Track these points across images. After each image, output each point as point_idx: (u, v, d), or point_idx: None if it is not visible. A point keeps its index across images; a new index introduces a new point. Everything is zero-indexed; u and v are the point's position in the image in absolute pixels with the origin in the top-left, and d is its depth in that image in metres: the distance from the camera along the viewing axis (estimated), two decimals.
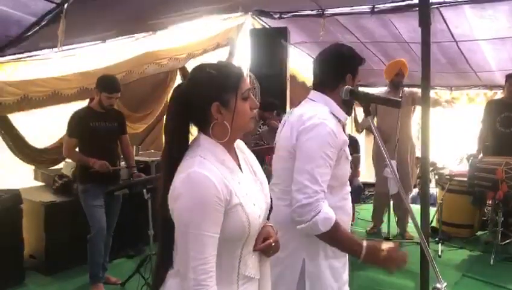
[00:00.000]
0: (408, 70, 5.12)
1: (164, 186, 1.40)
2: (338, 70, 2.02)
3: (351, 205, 2.11)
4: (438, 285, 1.70)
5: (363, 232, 5.69)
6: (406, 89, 5.26)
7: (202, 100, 1.42)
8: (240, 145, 1.61)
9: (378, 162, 5.41)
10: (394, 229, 5.40)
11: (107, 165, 3.74)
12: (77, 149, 3.87)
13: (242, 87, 1.45)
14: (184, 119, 1.45)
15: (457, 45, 5.72)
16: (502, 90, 6.85)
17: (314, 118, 1.89)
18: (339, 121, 1.97)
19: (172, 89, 1.51)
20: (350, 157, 2.05)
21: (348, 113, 2.04)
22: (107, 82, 3.81)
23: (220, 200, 1.34)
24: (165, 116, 1.54)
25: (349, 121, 8.56)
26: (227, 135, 1.45)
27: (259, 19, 6.55)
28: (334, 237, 1.86)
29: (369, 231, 5.70)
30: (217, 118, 1.42)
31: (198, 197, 1.31)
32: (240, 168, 1.52)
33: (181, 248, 1.36)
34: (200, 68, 1.47)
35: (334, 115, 1.96)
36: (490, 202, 5.22)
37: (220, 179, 1.36)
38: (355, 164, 5.60)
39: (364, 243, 1.84)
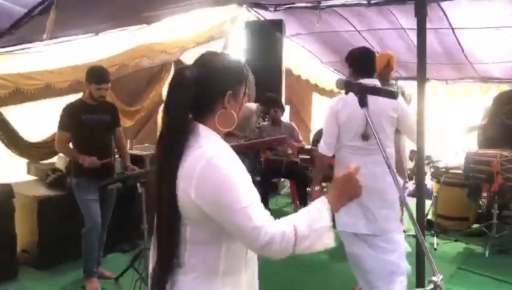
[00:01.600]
0: (396, 63, 5.06)
1: (170, 184, 1.35)
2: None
3: None
4: (434, 278, 1.68)
5: None
6: (396, 82, 5.25)
7: (217, 88, 1.43)
8: None
9: None
10: None
11: (95, 160, 3.70)
12: (71, 143, 3.83)
13: (247, 81, 1.52)
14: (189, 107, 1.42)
15: (454, 33, 5.68)
16: (497, 85, 6.88)
17: None
18: None
19: (175, 74, 1.46)
20: None
21: None
22: (95, 73, 3.76)
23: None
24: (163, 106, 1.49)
25: None
26: (233, 124, 1.48)
27: (254, 11, 6.50)
28: None
29: None
30: (226, 107, 1.44)
31: (228, 177, 1.32)
32: None
33: (238, 232, 1.33)
34: (213, 56, 1.51)
35: None
36: (485, 194, 5.22)
37: (234, 159, 1.40)
38: None
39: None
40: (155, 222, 1.43)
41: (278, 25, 6.20)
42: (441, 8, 5.03)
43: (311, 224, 1.36)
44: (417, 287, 2.49)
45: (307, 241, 1.34)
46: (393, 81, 5.32)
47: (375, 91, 1.94)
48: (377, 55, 5.31)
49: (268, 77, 6.21)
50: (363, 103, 1.88)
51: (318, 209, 1.40)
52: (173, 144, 1.37)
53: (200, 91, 1.40)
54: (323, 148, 3.25)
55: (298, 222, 1.35)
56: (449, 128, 6.90)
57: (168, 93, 1.43)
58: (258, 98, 5.57)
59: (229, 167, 1.33)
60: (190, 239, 1.38)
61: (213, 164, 1.32)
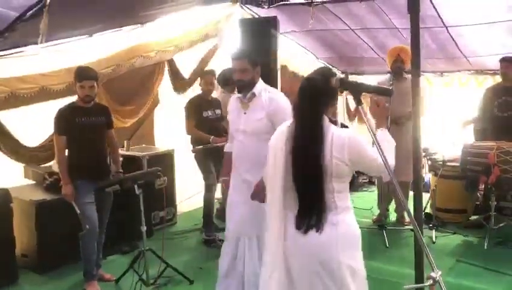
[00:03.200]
0: (409, 55, 5.06)
1: (318, 156, 2.06)
2: None
3: None
4: (433, 274, 1.68)
5: (360, 221, 5.67)
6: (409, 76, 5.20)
7: (334, 91, 2.15)
8: None
9: None
10: (392, 216, 5.40)
11: (69, 195, 3.74)
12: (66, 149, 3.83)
13: None
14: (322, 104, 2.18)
15: (448, 31, 5.69)
16: (491, 75, 6.88)
17: None
18: None
19: (307, 83, 2.19)
20: None
21: None
22: (76, 72, 3.75)
23: None
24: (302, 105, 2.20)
25: (340, 109, 8.53)
26: (335, 114, 2.32)
27: (248, 8, 6.48)
28: None
29: (374, 220, 5.58)
30: (334, 104, 2.24)
31: (362, 142, 2.12)
32: None
33: (375, 169, 2.17)
34: (328, 68, 2.39)
35: None
36: (483, 186, 5.22)
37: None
38: None
39: None
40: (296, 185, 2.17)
41: (272, 22, 6.18)
42: (433, 5, 5.00)
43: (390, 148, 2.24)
44: (416, 282, 2.50)
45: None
46: (388, 76, 5.30)
47: (370, 89, 1.95)
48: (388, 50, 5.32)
49: (264, 74, 6.18)
50: (358, 101, 1.89)
51: (384, 136, 2.25)
52: (317, 130, 2.08)
53: (325, 93, 2.14)
54: None
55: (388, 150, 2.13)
56: (446, 120, 6.91)
57: (307, 95, 2.14)
58: None
59: (359, 138, 2.12)
60: (336, 189, 2.14)
61: (353, 137, 2.10)
